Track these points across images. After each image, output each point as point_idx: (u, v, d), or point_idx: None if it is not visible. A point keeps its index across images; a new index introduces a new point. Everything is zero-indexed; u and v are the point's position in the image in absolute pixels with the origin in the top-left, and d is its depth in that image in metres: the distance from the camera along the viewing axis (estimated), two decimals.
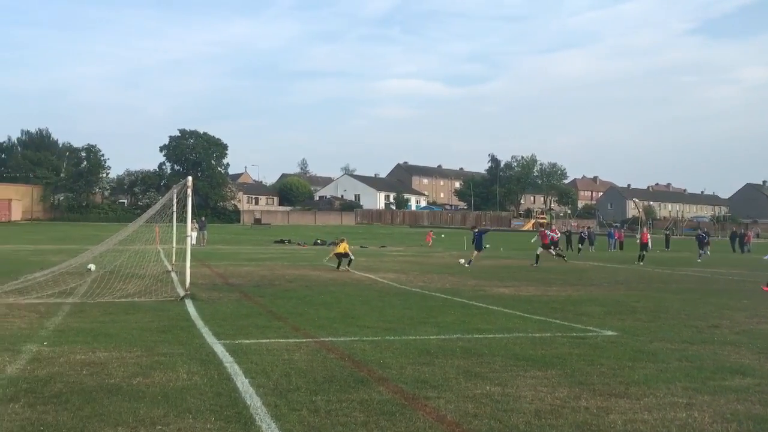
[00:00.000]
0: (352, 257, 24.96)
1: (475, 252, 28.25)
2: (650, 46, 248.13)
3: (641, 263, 31.77)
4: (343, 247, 24.97)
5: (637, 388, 7.19)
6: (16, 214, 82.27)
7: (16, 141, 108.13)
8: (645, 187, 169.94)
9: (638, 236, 36.72)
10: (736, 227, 73.63)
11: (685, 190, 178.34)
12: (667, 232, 59.74)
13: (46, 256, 27.45)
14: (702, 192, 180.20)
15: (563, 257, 30.81)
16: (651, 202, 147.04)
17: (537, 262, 28.20)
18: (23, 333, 10.01)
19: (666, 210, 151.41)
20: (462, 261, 27.47)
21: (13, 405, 6.15)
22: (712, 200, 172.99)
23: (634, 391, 7.06)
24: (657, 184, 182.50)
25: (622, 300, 16.04)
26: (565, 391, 7.04)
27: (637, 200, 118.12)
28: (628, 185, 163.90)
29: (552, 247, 30.27)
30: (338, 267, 24.19)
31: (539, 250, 29.31)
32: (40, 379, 7.11)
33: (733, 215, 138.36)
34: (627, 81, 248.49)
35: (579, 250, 42.64)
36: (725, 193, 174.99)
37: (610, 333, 10.98)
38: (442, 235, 50.59)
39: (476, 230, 30.10)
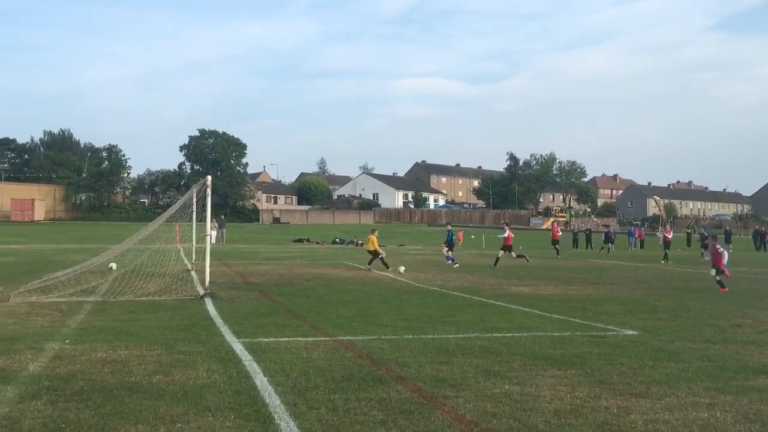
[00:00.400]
0: (381, 255, 24.32)
1: (445, 248, 27.70)
2: (671, 42, 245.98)
3: (664, 261, 31.49)
4: (372, 243, 24.53)
5: (658, 388, 7.12)
6: (39, 214, 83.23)
7: (38, 142, 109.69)
8: (666, 185, 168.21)
9: (659, 235, 36.27)
10: (759, 225, 72.57)
11: (706, 188, 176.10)
12: (689, 231, 59.08)
13: (68, 255, 27.77)
14: (724, 190, 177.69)
15: (525, 257, 27.96)
16: (672, 200, 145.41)
17: (522, 258, 27.52)
18: (46, 331, 10.13)
19: (687, 208, 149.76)
20: (402, 269, 23.00)
21: (35, 402, 6.23)
22: (735, 198, 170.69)
23: (655, 391, 7.00)
24: (678, 181, 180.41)
25: (642, 299, 15.90)
26: (585, 390, 6.99)
27: (657, 198, 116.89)
28: (649, 183, 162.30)
29: (511, 251, 27.52)
30: (369, 263, 23.95)
31: (500, 253, 27.38)
32: (62, 377, 7.19)
33: (755, 213, 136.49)
34: (647, 78, 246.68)
35: (608, 249, 41.54)
36: (748, 191, 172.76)
37: (630, 332, 10.89)
38: (472, 236, 49.54)
39: (449, 227, 29.28)
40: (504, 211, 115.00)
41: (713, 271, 18.41)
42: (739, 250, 45.89)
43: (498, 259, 26.77)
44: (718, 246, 18.78)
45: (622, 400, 6.65)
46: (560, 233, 36.93)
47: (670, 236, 34.62)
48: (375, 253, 24.26)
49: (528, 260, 27.83)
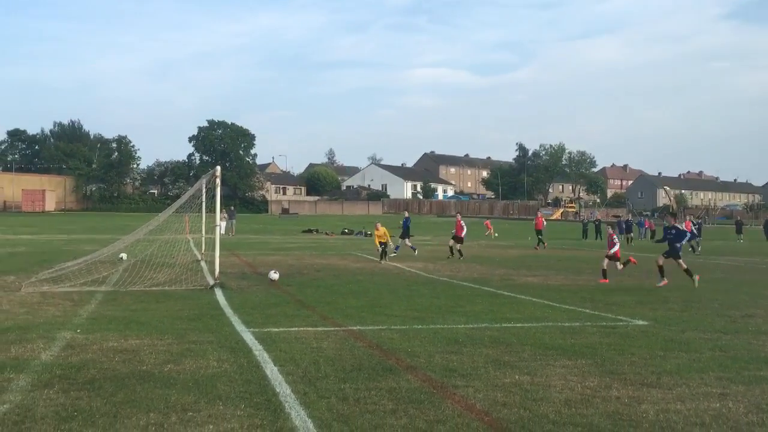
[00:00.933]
0: (389, 245, 23.65)
1: (400, 240, 26.74)
2: (682, 31, 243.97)
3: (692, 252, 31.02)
4: (381, 233, 23.65)
5: (670, 378, 7.09)
6: (50, 205, 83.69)
7: (49, 133, 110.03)
8: (676, 175, 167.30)
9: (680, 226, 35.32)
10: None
11: (717, 178, 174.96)
12: (699, 221, 58.71)
13: (78, 246, 27.91)
14: (735, 180, 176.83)
15: (460, 254, 25.49)
16: (682, 191, 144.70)
17: (452, 254, 25.48)
18: (57, 321, 10.19)
19: (698, 198, 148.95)
20: (274, 276, 16.28)
21: (47, 391, 6.26)
22: (746, 188, 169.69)
23: (666, 381, 6.97)
24: (688, 172, 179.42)
25: (653, 289, 15.83)
26: (596, 380, 6.97)
27: (668, 188, 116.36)
28: (659, 173, 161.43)
29: (461, 242, 25.84)
30: (381, 259, 22.98)
31: (451, 242, 26.03)
32: (73, 366, 7.23)
33: (767, 203, 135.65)
34: (659, 67, 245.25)
35: (629, 239, 40.99)
36: (759, 181, 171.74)
37: (641, 322, 10.84)
38: (494, 234, 47.84)
39: (407, 217, 28.07)
40: (513, 201, 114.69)
41: (605, 261, 17.77)
42: (750, 241, 45.68)
43: (455, 250, 25.55)
44: (615, 236, 18.27)
45: (633, 390, 6.63)
46: (545, 223, 34.73)
47: (690, 226, 33.64)
48: (385, 245, 23.62)
49: (449, 258, 25.31)
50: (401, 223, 28.00)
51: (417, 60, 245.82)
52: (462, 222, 26.53)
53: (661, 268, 16.46)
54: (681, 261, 16.80)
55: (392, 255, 24.69)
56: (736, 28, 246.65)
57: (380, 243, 23.72)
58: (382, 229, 23.98)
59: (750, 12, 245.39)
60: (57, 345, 8.32)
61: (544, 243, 33.65)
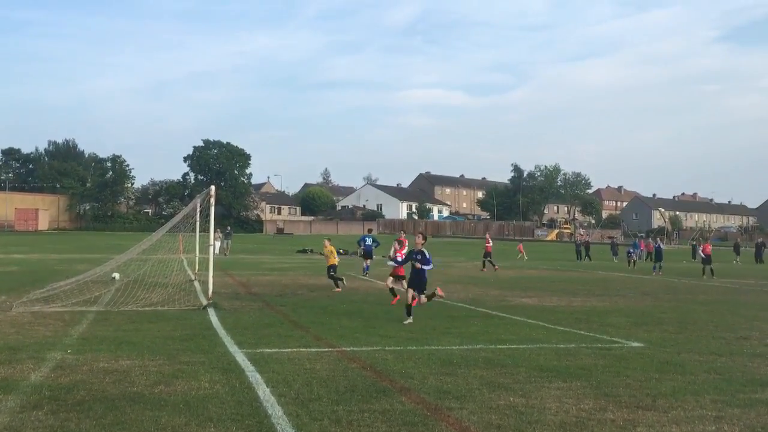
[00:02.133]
0: (333, 275, 20.00)
1: (367, 260, 25.54)
2: (675, 54, 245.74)
3: (714, 276, 29.47)
4: (328, 252, 20.44)
5: (665, 401, 7.04)
6: (43, 224, 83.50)
7: (43, 152, 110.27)
8: (671, 197, 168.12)
9: (698, 248, 34.44)
10: (764, 238, 72.33)
11: (711, 200, 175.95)
12: (694, 243, 58.85)
13: (71, 265, 27.77)
14: (729, 202, 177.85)
15: (339, 281, 20.07)
16: (677, 212, 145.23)
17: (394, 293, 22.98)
18: (48, 341, 10.10)
19: (692, 220, 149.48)
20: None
21: (36, 412, 6.18)
22: (740, 210, 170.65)
23: (661, 404, 6.92)
24: (683, 193, 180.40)
25: (648, 311, 15.81)
26: (591, 402, 6.92)
27: (662, 210, 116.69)
28: (654, 195, 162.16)
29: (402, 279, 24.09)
30: (337, 286, 19.66)
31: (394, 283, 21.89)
32: (63, 387, 7.14)
33: (761, 225, 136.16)
34: (652, 89, 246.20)
35: (634, 263, 39.36)
36: (753, 203, 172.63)
37: (636, 344, 10.81)
38: (525, 257, 46.29)
39: (368, 234, 26.81)
40: (508, 222, 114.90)
41: (390, 279, 16.67)
42: (746, 263, 45.81)
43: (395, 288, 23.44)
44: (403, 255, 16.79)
45: (628, 412, 6.58)
46: (491, 243, 33.85)
47: (710, 249, 32.29)
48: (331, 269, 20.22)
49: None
50: (363, 240, 26.78)
51: (412, 81, 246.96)
52: (402, 240, 24.43)
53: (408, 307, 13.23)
54: (422, 296, 13.84)
55: (341, 283, 20.15)
56: (728, 50, 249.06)
57: (329, 267, 20.30)
58: (329, 248, 20.61)
59: (743, 35, 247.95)
60: (47, 366, 8.23)
61: (494, 265, 31.80)
